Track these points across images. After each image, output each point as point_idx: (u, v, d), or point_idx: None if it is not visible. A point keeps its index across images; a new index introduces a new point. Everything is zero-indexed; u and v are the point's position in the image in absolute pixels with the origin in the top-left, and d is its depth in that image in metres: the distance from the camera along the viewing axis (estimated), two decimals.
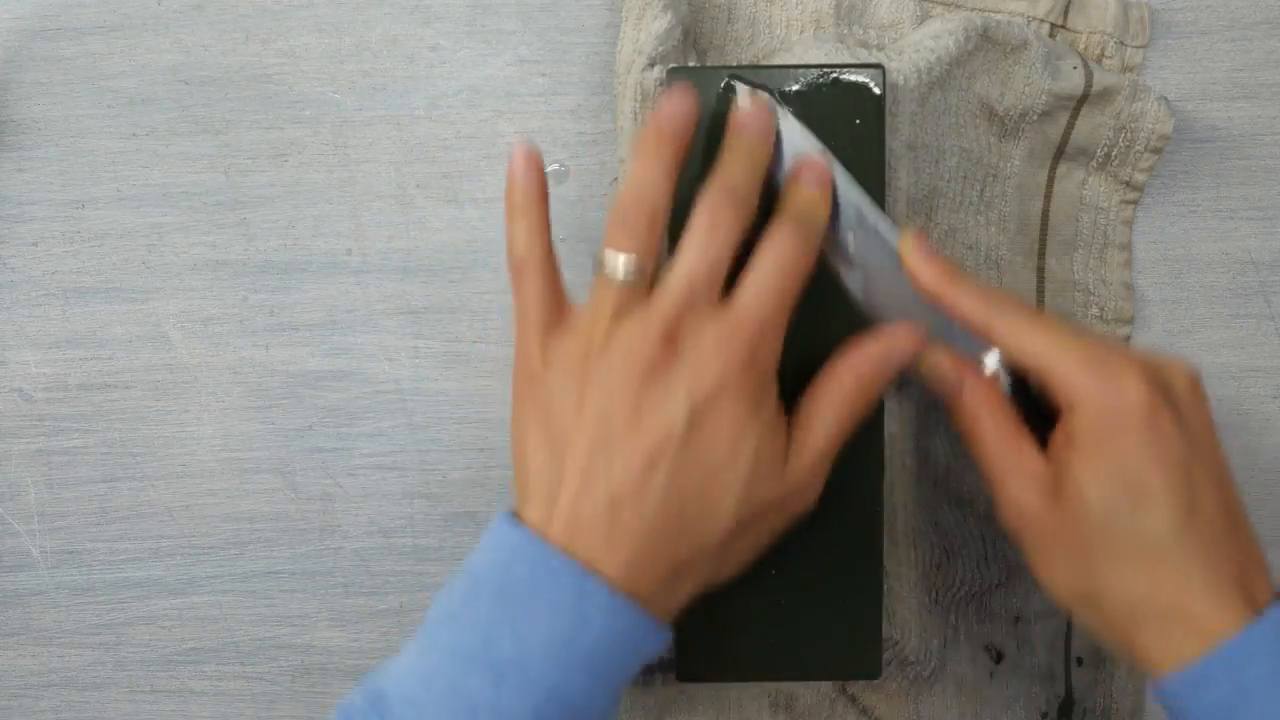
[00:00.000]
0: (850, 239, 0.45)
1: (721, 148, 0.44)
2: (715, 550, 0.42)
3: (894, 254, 0.45)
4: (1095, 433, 0.42)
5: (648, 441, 0.40)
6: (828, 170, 0.45)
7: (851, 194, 0.45)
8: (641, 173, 0.43)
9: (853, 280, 0.46)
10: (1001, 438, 0.44)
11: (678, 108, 0.43)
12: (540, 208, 0.44)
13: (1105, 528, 0.42)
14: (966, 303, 0.44)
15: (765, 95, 0.46)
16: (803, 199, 0.44)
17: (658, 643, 0.41)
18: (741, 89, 0.46)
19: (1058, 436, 0.43)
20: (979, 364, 0.45)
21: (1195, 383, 0.44)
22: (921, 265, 0.45)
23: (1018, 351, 0.43)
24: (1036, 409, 0.44)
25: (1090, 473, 0.42)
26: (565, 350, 0.42)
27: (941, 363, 0.45)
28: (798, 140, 0.45)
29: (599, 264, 0.42)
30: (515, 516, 0.42)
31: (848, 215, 0.45)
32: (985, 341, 0.44)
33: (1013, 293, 0.53)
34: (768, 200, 0.45)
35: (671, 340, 0.41)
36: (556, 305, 0.44)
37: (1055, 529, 0.43)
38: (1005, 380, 0.45)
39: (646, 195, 0.42)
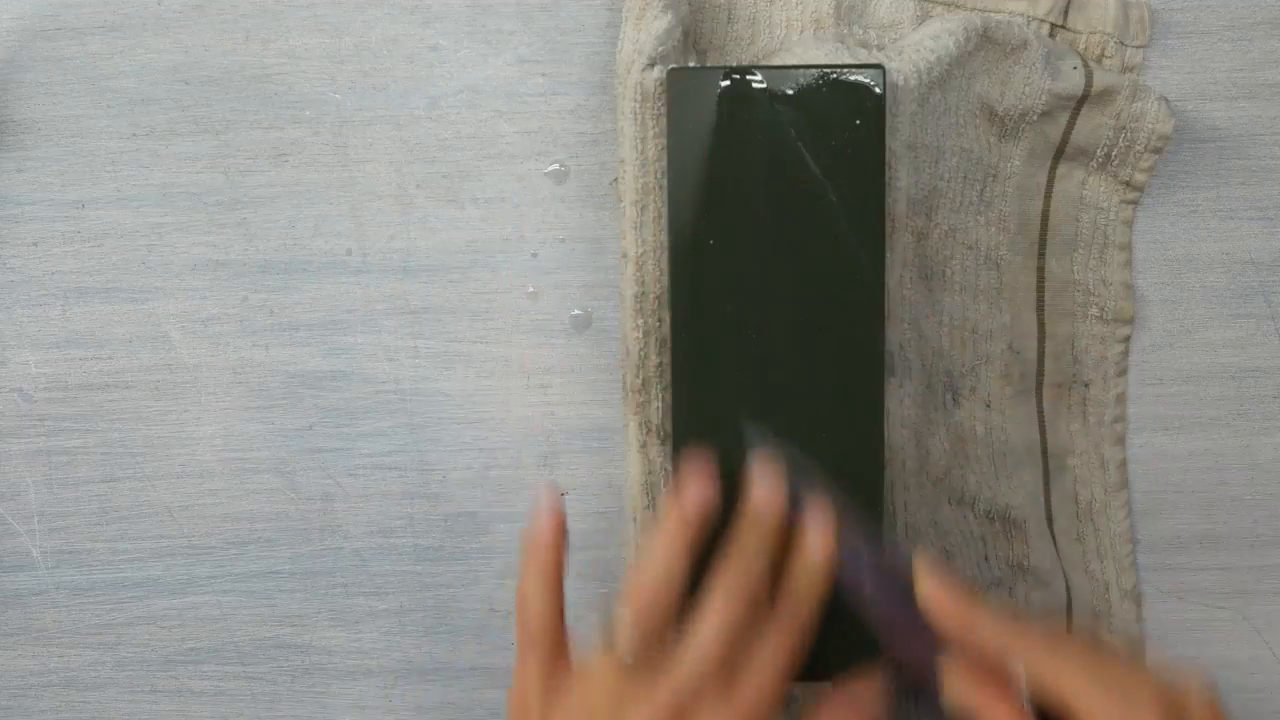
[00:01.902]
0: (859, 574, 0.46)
1: (739, 527, 0.45)
2: None
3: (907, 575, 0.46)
4: None
5: None
6: (830, 529, 0.45)
7: (855, 535, 0.46)
8: (663, 559, 0.44)
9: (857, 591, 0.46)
10: None
11: (701, 494, 0.45)
12: (558, 570, 0.45)
13: None
14: (985, 635, 0.44)
15: (776, 468, 0.46)
16: (806, 575, 0.45)
17: None
18: (759, 464, 0.46)
19: None
20: (996, 682, 0.44)
21: (1215, 710, 0.44)
22: (938, 600, 0.45)
23: (1037, 682, 0.43)
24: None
25: None
26: (568, 711, 0.43)
27: (965, 693, 0.44)
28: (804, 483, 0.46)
29: (608, 635, 0.43)
30: None
31: (852, 548, 0.46)
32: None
33: (1000, 299, 0.53)
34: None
35: None
36: (561, 669, 0.44)
37: None
38: (1027, 706, 0.44)
39: (666, 583, 0.43)
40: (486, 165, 0.53)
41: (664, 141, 0.48)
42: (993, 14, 0.52)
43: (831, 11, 0.52)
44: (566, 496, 0.54)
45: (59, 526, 0.54)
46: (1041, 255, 0.53)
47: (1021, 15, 0.52)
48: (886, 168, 0.48)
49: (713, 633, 0.43)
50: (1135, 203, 0.53)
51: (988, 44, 0.51)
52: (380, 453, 0.54)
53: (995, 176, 0.53)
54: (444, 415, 0.54)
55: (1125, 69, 0.53)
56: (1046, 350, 0.54)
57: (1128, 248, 0.53)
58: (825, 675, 0.51)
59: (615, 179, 0.53)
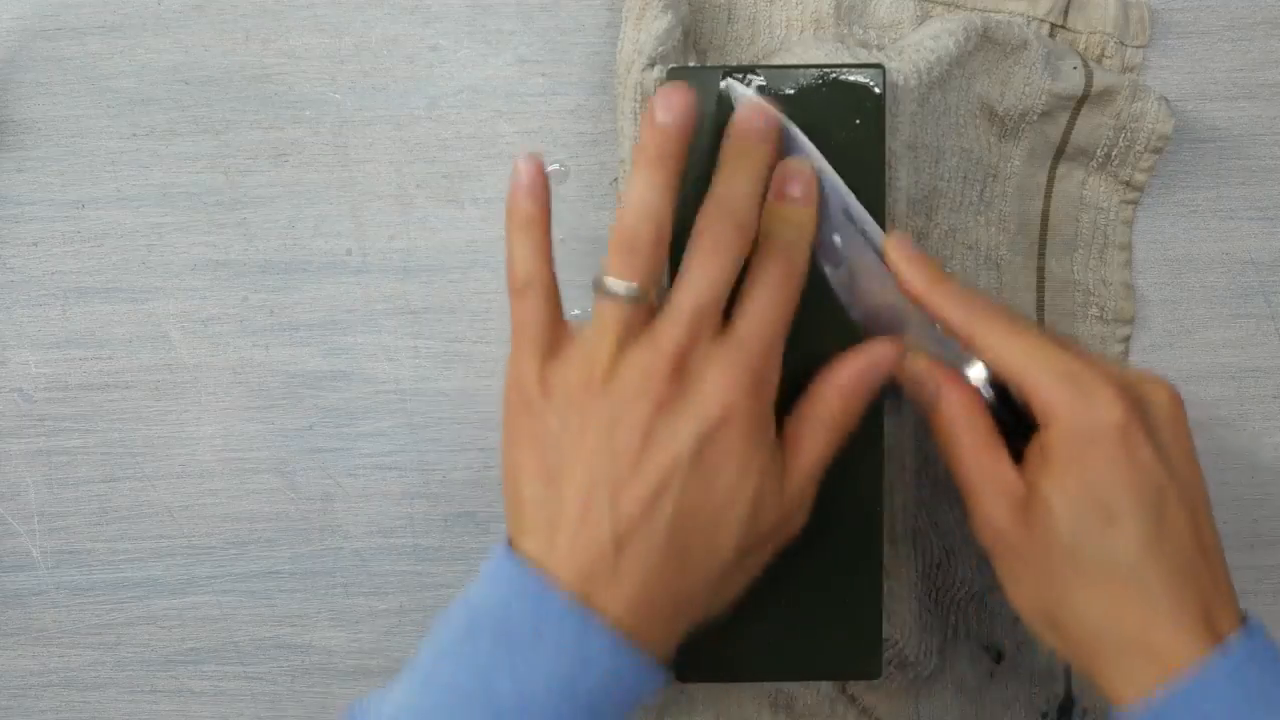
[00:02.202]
0: (837, 240, 0.45)
1: (720, 156, 0.43)
2: (715, 583, 0.41)
3: (880, 255, 0.45)
4: (1067, 450, 0.41)
5: (653, 477, 0.40)
6: (814, 178, 0.44)
7: (838, 193, 0.45)
8: (641, 193, 0.41)
9: (838, 279, 0.45)
10: (977, 449, 0.43)
11: (673, 115, 0.41)
12: (544, 224, 0.43)
13: (1071, 549, 0.41)
14: (949, 306, 0.43)
15: (761, 98, 0.45)
16: (792, 216, 0.43)
17: (656, 684, 0.40)
18: (737, 89, 0.46)
19: (1032, 452, 0.42)
20: (962, 372, 0.44)
21: (1176, 404, 0.42)
22: (906, 267, 0.44)
23: (996, 361, 0.42)
24: (1019, 422, 0.43)
25: (1059, 491, 0.41)
26: (565, 378, 0.41)
27: (921, 369, 0.44)
28: (794, 140, 0.45)
29: (599, 287, 0.41)
30: (513, 549, 0.41)
31: (835, 216, 0.45)
32: (969, 351, 0.44)
33: (999, 300, 0.53)
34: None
35: (678, 373, 0.40)
36: (556, 329, 0.42)
37: (1024, 547, 0.42)
38: (988, 392, 0.44)
39: (648, 218, 0.41)
40: (486, 165, 0.53)
41: None
42: (993, 14, 0.52)
43: (831, 11, 0.52)
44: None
45: (59, 526, 0.54)
46: (1041, 255, 0.53)
47: (1021, 15, 0.52)
48: (886, 168, 0.48)
49: (702, 272, 0.41)
50: (1135, 203, 0.53)
51: (988, 44, 0.51)
52: (380, 453, 0.54)
53: (995, 176, 0.53)
54: (444, 415, 0.54)
55: (1125, 69, 0.53)
56: None
57: (1128, 248, 0.53)
58: (825, 675, 0.51)
59: (615, 179, 0.53)
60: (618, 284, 0.41)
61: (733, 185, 0.42)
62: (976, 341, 0.43)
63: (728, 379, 0.40)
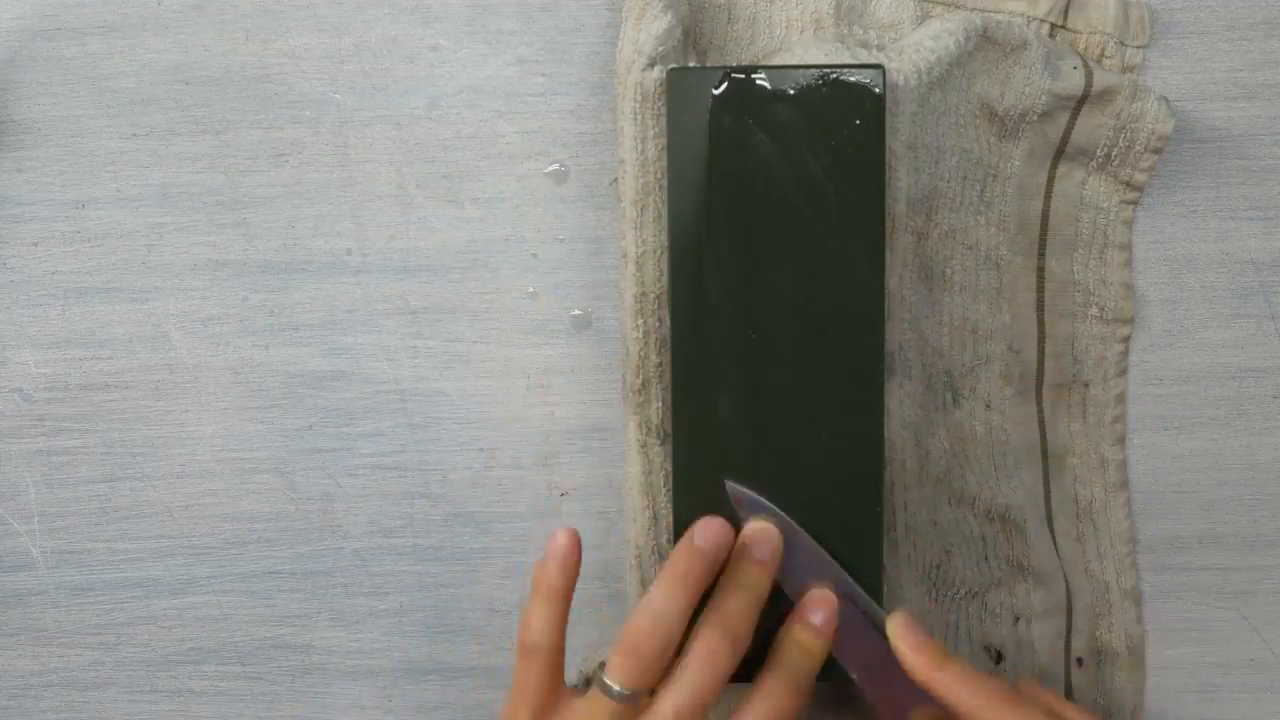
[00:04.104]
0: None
1: (724, 575, 0.45)
2: None
3: (881, 633, 0.46)
4: None
5: None
6: (836, 608, 0.46)
7: (836, 573, 0.47)
8: (659, 604, 0.44)
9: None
10: None
11: (709, 544, 0.44)
12: (566, 598, 0.45)
13: None
14: (956, 691, 0.44)
15: (768, 517, 0.47)
16: (809, 644, 0.45)
17: None
18: (741, 494, 0.47)
19: None
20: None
21: None
22: (910, 652, 0.45)
23: None
24: None
25: None
26: None
27: None
28: (803, 553, 0.47)
29: (598, 680, 0.43)
30: None
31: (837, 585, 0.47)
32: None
33: (999, 299, 0.53)
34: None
35: None
36: (554, 695, 0.45)
37: None
38: None
39: (659, 631, 0.43)
40: (486, 165, 0.53)
41: (664, 141, 0.48)
42: (993, 14, 0.52)
43: (831, 11, 0.52)
44: (565, 496, 0.54)
45: (59, 526, 0.54)
46: (1041, 255, 0.53)
47: (1021, 15, 0.52)
48: (886, 168, 0.48)
49: (691, 682, 0.43)
50: (1135, 203, 0.53)
51: (988, 44, 0.51)
52: (380, 453, 0.54)
53: (995, 176, 0.53)
54: (444, 415, 0.54)
55: (1125, 69, 0.53)
56: (1046, 350, 0.54)
57: (1128, 248, 0.53)
58: (825, 675, 0.51)
59: (615, 179, 0.53)
60: (614, 686, 0.43)
61: (733, 605, 0.45)
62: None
63: None
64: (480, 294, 0.53)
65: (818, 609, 0.46)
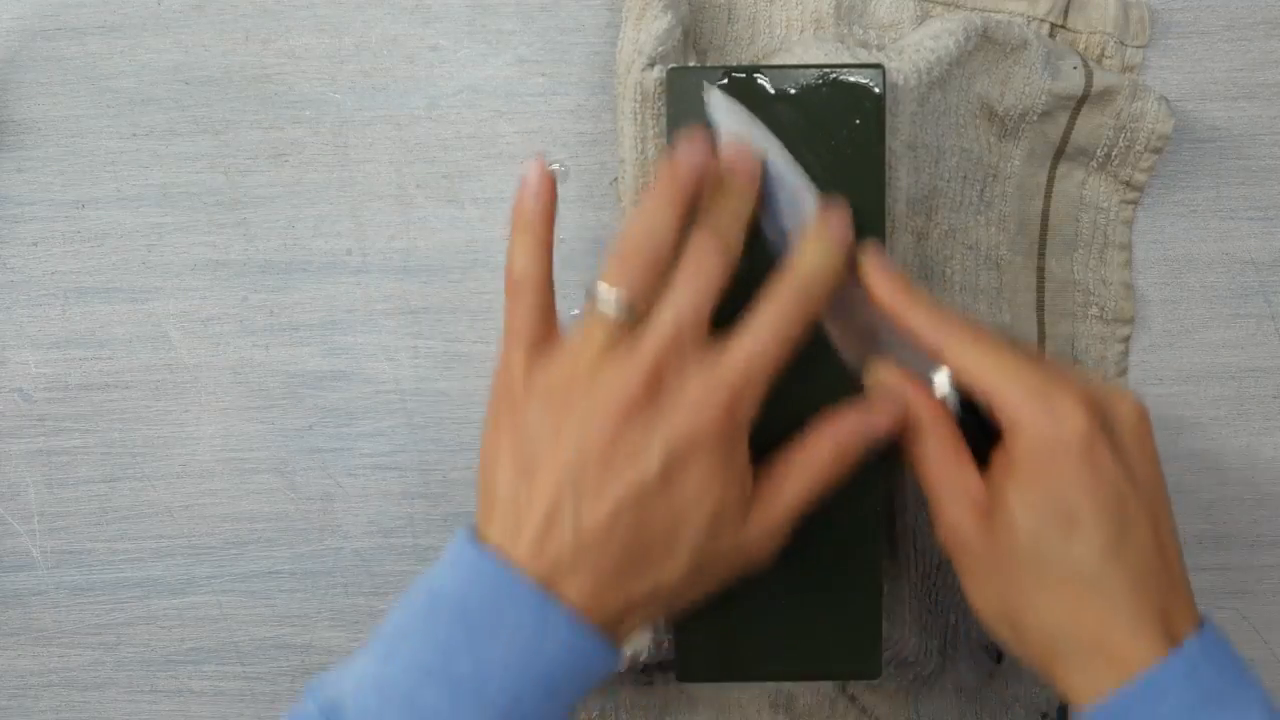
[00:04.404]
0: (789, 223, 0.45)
1: (708, 188, 0.44)
2: (671, 587, 0.42)
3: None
4: (1031, 459, 0.42)
5: (618, 485, 0.41)
6: (849, 226, 0.44)
7: (811, 197, 0.46)
8: (651, 212, 0.43)
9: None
10: (942, 457, 0.43)
11: (698, 157, 0.43)
12: (547, 227, 0.44)
13: (1033, 555, 0.42)
14: (918, 319, 0.44)
15: (741, 123, 0.46)
16: (817, 261, 0.44)
17: (612, 664, 0.41)
18: (718, 107, 0.46)
19: (997, 460, 0.43)
20: (928, 382, 0.44)
21: (1141, 416, 0.43)
22: (877, 279, 0.45)
23: (963, 372, 0.43)
24: (983, 430, 0.44)
25: (1023, 499, 0.42)
26: (549, 376, 0.42)
27: (887, 378, 0.44)
28: (781, 166, 0.46)
29: (591, 293, 0.42)
30: (476, 535, 0.42)
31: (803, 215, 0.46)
32: (936, 361, 0.44)
33: (1000, 298, 0.53)
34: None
35: (654, 382, 0.41)
36: (547, 328, 0.43)
37: (987, 552, 0.43)
38: (955, 400, 0.44)
39: (652, 236, 0.42)
40: (486, 165, 0.53)
41: (664, 141, 0.48)
42: (993, 14, 0.52)
43: (831, 11, 0.52)
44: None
45: (59, 526, 0.54)
46: (1041, 255, 0.53)
47: (1021, 15, 0.52)
48: (886, 168, 0.48)
49: (686, 289, 0.42)
50: (1135, 203, 0.53)
51: (988, 44, 0.51)
52: (380, 453, 0.54)
53: (995, 176, 0.53)
54: (444, 415, 0.54)
55: (1125, 69, 0.53)
56: (1046, 350, 0.54)
57: (1128, 248, 0.53)
58: (825, 675, 0.51)
59: (615, 179, 0.53)
60: (608, 291, 0.42)
61: (719, 215, 0.43)
62: (944, 352, 0.44)
63: (703, 398, 0.41)
64: (480, 294, 0.53)
65: (831, 228, 0.44)
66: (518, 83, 0.53)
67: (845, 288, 0.45)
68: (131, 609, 0.54)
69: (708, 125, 0.46)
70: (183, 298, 0.54)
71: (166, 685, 0.54)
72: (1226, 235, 0.54)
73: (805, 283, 0.43)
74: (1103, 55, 0.52)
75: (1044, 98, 0.51)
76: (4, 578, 0.54)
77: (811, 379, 0.45)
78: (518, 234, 0.44)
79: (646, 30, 0.49)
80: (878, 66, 0.47)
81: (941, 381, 0.44)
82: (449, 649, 0.39)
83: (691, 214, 0.43)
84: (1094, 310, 0.53)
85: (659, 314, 0.42)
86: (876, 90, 0.46)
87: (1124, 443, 0.42)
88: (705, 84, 0.46)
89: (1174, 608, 0.42)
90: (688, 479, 0.41)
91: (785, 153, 0.46)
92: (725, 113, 0.46)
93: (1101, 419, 0.42)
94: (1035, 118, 0.52)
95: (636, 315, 0.42)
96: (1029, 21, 0.52)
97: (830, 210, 0.45)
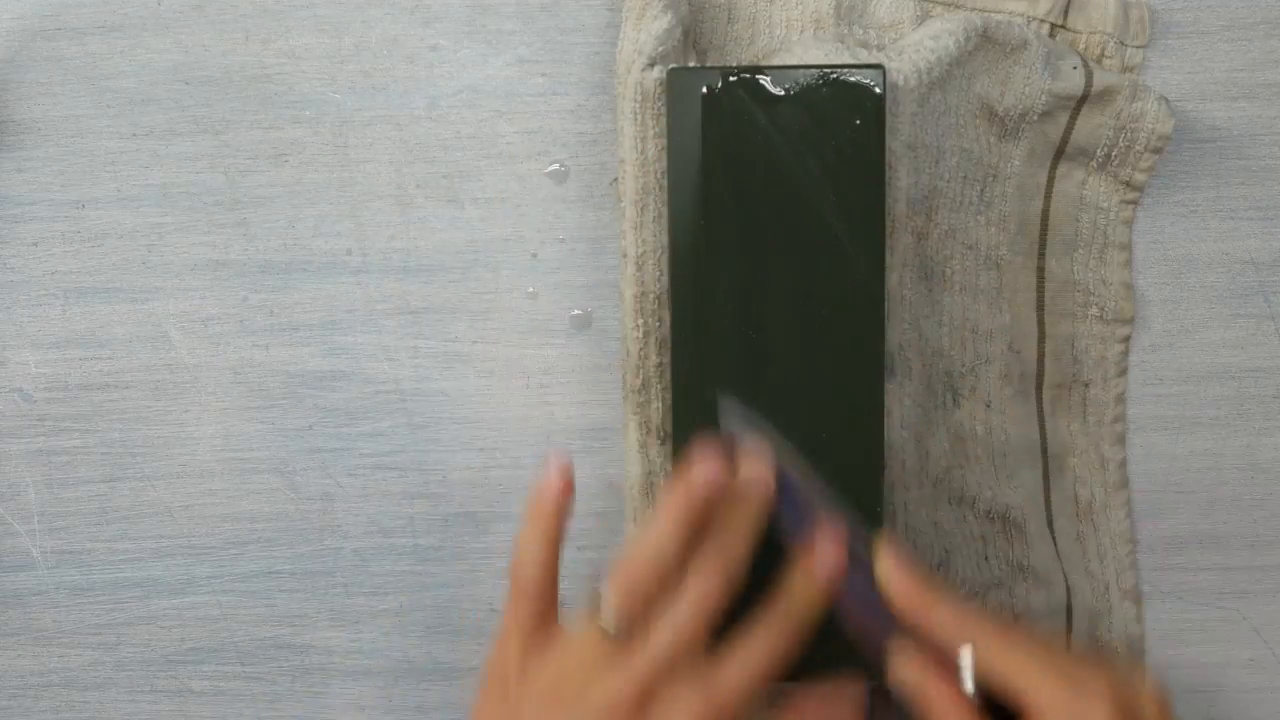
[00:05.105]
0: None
1: (722, 511, 0.45)
2: None
3: (867, 567, 0.46)
4: None
5: None
6: (842, 556, 0.45)
7: (822, 504, 0.46)
8: (661, 533, 0.43)
9: None
10: None
11: (713, 476, 0.44)
12: (560, 524, 0.45)
13: None
14: (940, 618, 0.44)
15: (760, 450, 0.46)
16: (807, 592, 0.45)
17: None
18: (730, 406, 0.47)
19: None
20: (948, 666, 0.44)
21: (1165, 709, 0.44)
22: (895, 580, 0.45)
23: (990, 672, 0.43)
24: (1000, 713, 0.44)
25: None
26: (543, 675, 0.43)
27: (910, 673, 0.45)
28: (791, 478, 0.46)
29: (592, 614, 0.43)
30: None
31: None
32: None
33: (999, 298, 0.53)
34: None
35: (645, 699, 0.42)
36: (547, 627, 0.44)
37: None
38: (971, 687, 0.44)
39: (659, 557, 0.43)
40: (486, 165, 0.53)
41: (664, 141, 0.48)
42: (993, 14, 0.52)
43: (831, 11, 0.52)
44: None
45: (59, 526, 0.54)
46: (1041, 255, 0.53)
47: (1021, 15, 0.52)
48: (886, 168, 0.48)
49: (688, 611, 0.43)
50: (1135, 203, 0.53)
51: (988, 44, 0.51)
52: (380, 453, 0.54)
53: (995, 176, 0.53)
54: (444, 415, 0.54)
55: (1125, 69, 0.53)
56: (1046, 350, 0.54)
57: (1128, 248, 0.53)
58: (826, 675, 0.51)
59: (615, 179, 0.53)
60: (610, 610, 0.43)
61: (730, 542, 0.44)
62: (965, 646, 0.44)
63: (692, 718, 0.42)
64: (480, 294, 0.53)
65: (824, 560, 0.45)
66: (518, 83, 0.53)
67: (858, 580, 0.45)
68: (131, 609, 0.54)
69: (721, 431, 0.47)
70: (183, 298, 0.54)
71: (166, 685, 0.54)
72: (1226, 235, 0.54)
73: (795, 614, 0.45)
74: (1103, 55, 0.52)
75: (1044, 98, 0.51)
76: (4, 578, 0.54)
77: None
78: (530, 525, 0.45)
79: (646, 30, 0.49)
80: (878, 67, 0.47)
81: (967, 677, 0.44)
82: None
83: (701, 528, 0.44)
84: (1094, 310, 0.53)
85: (657, 632, 0.43)
86: (877, 90, 0.46)
87: None
88: (719, 399, 0.47)
89: None
90: None
91: (795, 466, 0.46)
92: (740, 422, 0.47)
93: (1128, 708, 0.42)
94: (1035, 118, 0.52)
95: (634, 635, 0.43)
96: (1029, 21, 0.52)
97: (824, 540, 0.45)
